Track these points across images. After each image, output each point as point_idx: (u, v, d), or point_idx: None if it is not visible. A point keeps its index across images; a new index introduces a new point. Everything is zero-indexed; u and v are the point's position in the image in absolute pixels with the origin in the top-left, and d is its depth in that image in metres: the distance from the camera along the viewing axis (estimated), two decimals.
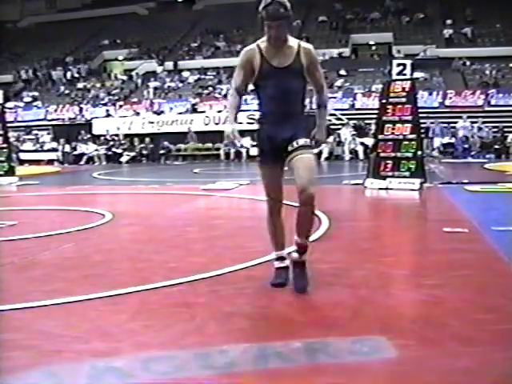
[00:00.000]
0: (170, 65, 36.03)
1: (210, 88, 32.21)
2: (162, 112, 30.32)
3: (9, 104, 30.65)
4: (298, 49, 4.43)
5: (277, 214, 4.72)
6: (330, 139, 25.36)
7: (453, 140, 25.53)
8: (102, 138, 28.76)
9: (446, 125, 25.88)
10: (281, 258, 4.76)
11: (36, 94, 35.83)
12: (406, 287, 4.93)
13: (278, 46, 4.41)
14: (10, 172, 16.89)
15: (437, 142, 25.31)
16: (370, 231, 7.87)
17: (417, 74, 24.20)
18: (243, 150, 26.51)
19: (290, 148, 4.44)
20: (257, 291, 4.59)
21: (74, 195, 13.20)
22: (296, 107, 4.50)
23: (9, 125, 19.40)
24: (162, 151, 27.78)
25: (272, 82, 4.44)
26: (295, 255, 4.61)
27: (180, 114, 29.69)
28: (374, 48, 36.62)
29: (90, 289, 4.60)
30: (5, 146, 17.06)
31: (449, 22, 34.85)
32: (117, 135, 28.69)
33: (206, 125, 28.28)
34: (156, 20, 40.88)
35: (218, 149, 27.42)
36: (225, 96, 30.50)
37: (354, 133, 25.31)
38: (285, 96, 4.44)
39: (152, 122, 29.09)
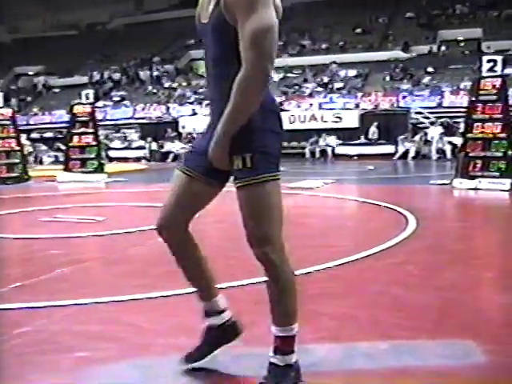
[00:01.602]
0: None
1: (296, 86, 32.17)
2: None
3: (99, 103, 31.47)
4: None
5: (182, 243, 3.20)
6: (417, 138, 24.95)
7: None
8: (189, 135, 29.13)
9: None
10: (209, 313, 3.20)
11: (124, 93, 36.64)
12: (495, 291, 4.81)
13: None
14: (100, 169, 17.34)
15: None
16: (458, 232, 7.70)
17: (508, 71, 23.53)
18: (329, 149, 26.40)
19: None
20: (343, 291, 4.56)
21: (161, 192, 13.40)
22: (223, 91, 2.58)
23: (98, 123, 19.91)
24: None
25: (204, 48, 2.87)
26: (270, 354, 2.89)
27: None
28: (462, 44, 35.74)
29: (177, 284, 4.65)
30: (95, 143, 17.53)
31: None
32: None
33: (292, 123, 28.27)
34: None
35: (303, 147, 27.37)
36: (310, 95, 30.43)
37: (442, 131, 24.79)
38: (209, 71, 2.82)
39: None
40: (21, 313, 3.81)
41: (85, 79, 39.23)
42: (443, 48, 34.40)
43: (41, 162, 28.20)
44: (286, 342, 2.82)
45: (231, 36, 2.51)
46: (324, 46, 36.16)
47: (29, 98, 39.71)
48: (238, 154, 2.60)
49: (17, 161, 16.92)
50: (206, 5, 2.63)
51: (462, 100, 24.73)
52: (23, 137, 26.15)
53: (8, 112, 17.33)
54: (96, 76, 39.87)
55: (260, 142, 2.63)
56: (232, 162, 2.63)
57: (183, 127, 30.14)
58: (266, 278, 2.86)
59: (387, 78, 31.31)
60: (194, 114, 31.24)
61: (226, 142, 2.57)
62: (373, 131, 26.57)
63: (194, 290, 3.13)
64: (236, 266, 5.42)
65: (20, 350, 3.42)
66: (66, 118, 22.87)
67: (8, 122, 16.96)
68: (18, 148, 17.11)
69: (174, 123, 30.69)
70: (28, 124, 32.92)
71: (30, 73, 43.36)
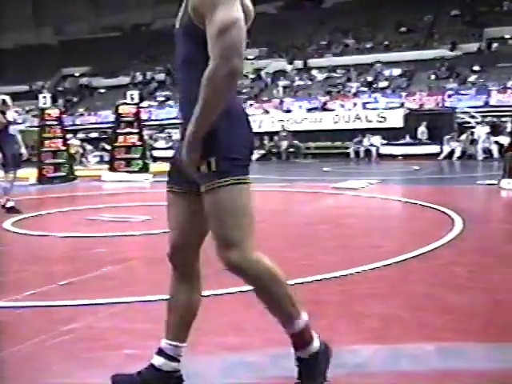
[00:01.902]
0: (299, 63, 36.12)
1: (340, 86, 32.04)
2: (292, 110, 30.45)
3: (143, 103, 31.75)
4: None
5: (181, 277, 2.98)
6: (463, 137, 24.63)
7: None
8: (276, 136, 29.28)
9: None
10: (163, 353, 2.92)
11: (169, 93, 36.90)
12: None
13: None
14: (144, 169, 17.52)
15: None
16: (506, 234, 7.57)
17: None
18: (373, 149, 26.23)
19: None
20: (389, 292, 4.53)
21: None
22: (193, 94, 2.45)
23: (143, 123, 20.12)
24: (291, 149, 27.91)
25: None
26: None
27: (309, 112, 29.72)
28: (510, 42, 35.06)
29: (222, 284, 4.69)
30: (140, 143, 17.72)
31: None
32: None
33: (336, 123, 28.17)
34: (285, 19, 41.03)
35: (347, 147, 27.25)
36: (354, 94, 30.27)
37: (489, 131, 24.42)
38: (179, 76, 2.72)
39: (281, 121, 29.27)
40: (69, 310, 3.87)
41: (129, 80, 39.64)
42: (495, 45, 33.71)
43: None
44: (297, 338, 2.75)
45: (200, 39, 2.45)
46: (368, 45, 35.91)
47: (75, 99, 40.29)
48: (203, 158, 2.48)
49: (63, 160, 17.18)
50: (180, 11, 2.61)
51: (510, 99, 24.39)
52: (73, 137, 26.62)
53: (55, 112, 17.61)
54: (139, 77, 40.22)
55: (225, 145, 2.51)
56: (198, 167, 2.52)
57: None
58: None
59: (432, 77, 30.96)
60: None
61: (197, 143, 2.45)
62: (422, 131, 26.27)
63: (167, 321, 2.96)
64: (281, 266, 5.42)
65: (68, 347, 3.47)
66: (111, 118, 23.12)
67: (55, 123, 17.24)
68: (64, 148, 17.37)
69: None
70: (74, 124, 33.39)
71: (76, 74, 43.98)
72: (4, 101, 9.91)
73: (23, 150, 10.17)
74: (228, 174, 2.49)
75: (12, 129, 9.82)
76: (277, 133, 28.37)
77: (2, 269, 5.91)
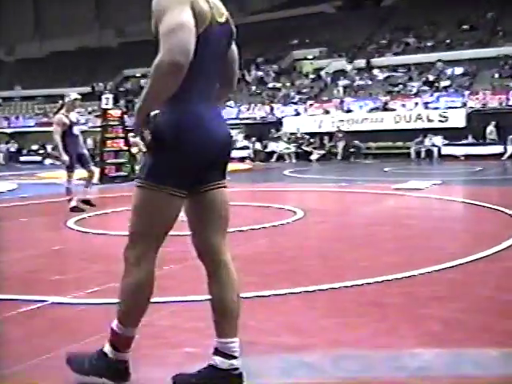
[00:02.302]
0: (359, 63, 35.85)
1: (401, 85, 31.66)
2: (352, 110, 30.26)
3: None
4: None
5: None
6: None
7: None
8: (293, 136, 29.25)
9: None
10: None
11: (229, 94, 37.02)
12: None
13: None
14: None
15: None
16: None
17: None
18: (434, 149, 25.87)
19: None
20: (452, 295, 4.46)
21: (266, 192, 13.53)
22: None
23: None
24: (351, 149, 27.76)
25: None
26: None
27: (370, 112, 29.49)
28: None
29: (283, 284, 4.70)
30: None
31: None
32: (306, 133, 29.09)
33: (397, 123, 27.89)
34: (344, 18, 40.78)
35: (408, 147, 26.94)
36: (416, 94, 29.88)
37: None
38: None
39: (342, 121, 29.13)
40: None
41: None
42: None
43: None
44: (116, 338, 2.95)
45: None
46: (429, 43, 35.33)
47: (136, 100, 40.83)
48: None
49: (125, 160, 17.45)
50: None
51: None
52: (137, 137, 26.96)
53: (117, 113, 17.88)
54: None
55: (157, 155, 2.73)
56: None
57: (287, 127, 30.22)
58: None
59: (496, 76, 30.32)
60: (298, 114, 31.29)
61: (138, 119, 2.68)
62: (490, 130, 25.72)
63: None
64: (342, 267, 5.40)
65: None
66: None
67: (117, 123, 17.52)
68: (125, 148, 17.63)
69: (278, 123, 30.86)
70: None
71: (138, 74, 44.56)
72: (75, 99, 10.12)
73: (85, 151, 10.36)
74: (145, 178, 2.77)
75: (76, 129, 10.00)
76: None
77: (65, 267, 6.05)
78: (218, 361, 2.92)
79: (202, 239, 3.05)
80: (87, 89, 42.07)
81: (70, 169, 9.97)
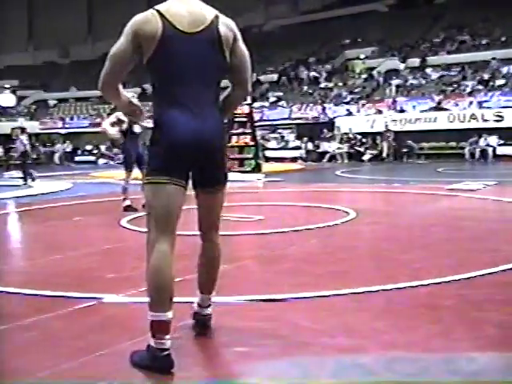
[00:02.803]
0: (412, 62, 35.47)
1: (454, 84, 31.23)
2: (405, 110, 29.98)
3: (256, 104, 32.06)
4: None
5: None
6: None
7: None
8: (345, 136, 29.12)
9: None
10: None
11: (280, 94, 37.10)
12: None
13: None
14: (257, 169, 17.69)
15: None
16: None
17: None
18: (489, 149, 25.46)
19: None
20: (507, 298, 4.37)
21: (318, 192, 13.49)
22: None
23: (256, 124, 20.33)
24: (404, 149, 27.50)
25: None
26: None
27: (423, 111, 29.17)
28: None
29: (335, 285, 4.68)
30: (252, 143, 17.90)
31: None
32: (358, 133, 28.93)
33: (450, 122, 27.54)
34: (396, 17, 40.39)
35: (462, 147, 26.57)
36: (470, 93, 29.43)
37: None
38: None
39: (394, 120, 28.89)
40: (183, 306, 3.93)
41: None
42: None
43: None
44: (150, 325, 3.14)
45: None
46: (484, 41, 34.73)
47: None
48: None
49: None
50: None
51: None
52: None
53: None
54: (253, 77, 40.61)
55: (150, 152, 3.30)
56: None
57: (339, 127, 30.09)
58: None
59: None
60: (350, 114, 31.12)
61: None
62: None
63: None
64: (395, 269, 5.35)
65: (181, 343, 3.54)
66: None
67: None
68: None
69: (330, 123, 30.75)
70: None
71: None
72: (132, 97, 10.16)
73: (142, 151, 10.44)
74: (146, 174, 3.26)
75: (137, 128, 10.03)
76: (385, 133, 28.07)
77: (118, 265, 6.12)
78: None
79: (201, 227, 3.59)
80: (139, 90, 42.63)
81: (128, 168, 10.07)
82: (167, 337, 3.07)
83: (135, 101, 3.50)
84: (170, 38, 3.07)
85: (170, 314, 3.11)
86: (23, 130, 19.78)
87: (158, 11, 3.13)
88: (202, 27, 3.13)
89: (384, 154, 27.56)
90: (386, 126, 28.22)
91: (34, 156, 19.21)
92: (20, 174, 21.57)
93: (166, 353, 3.06)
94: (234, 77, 3.36)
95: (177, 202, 3.25)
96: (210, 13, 3.20)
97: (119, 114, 9.75)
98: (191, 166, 3.24)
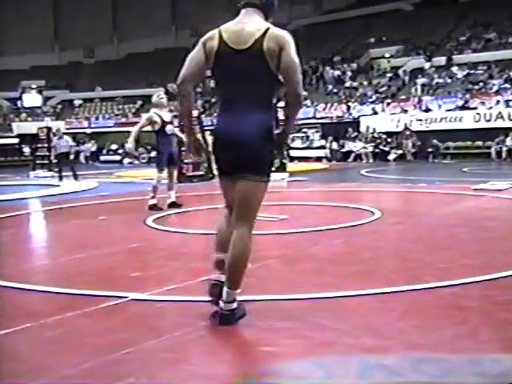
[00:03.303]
0: (437, 60, 35.20)
1: (481, 83, 30.94)
2: (430, 109, 29.77)
3: (280, 103, 31.98)
4: None
5: None
6: None
7: None
8: (370, 135, 28.99)
9: None
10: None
11: (305, 93, 37.00)
12: None
13: None
14: (282, 168, 17.65)
15: None
16: None
17: None
18: None
19: None
20: None
21: (342, 192, 13.45)
22: None
23: (280, 123, 20.28)
24: (430, 149, 27.32)
25: None
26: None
27: (449, 110, 28.95)
28: None
29: (359, 285, 4.66)
30: None
31: None
32: (384, 133, 28.78)
33: (477, 122, 27.30)
34: (421, 15, 40.07)
35: (488, 147, 26.34)
36: (497, 92, 29.15)
37: None
38: None
39: (420, 120, 28.70)
40: (208, 305, 3.95)
41: None
42: None
43: None
44: None
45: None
46: (511, 39, 34.35)
47: (213, 100, 41.26)
48: None
49: (202, 159, 17.62)
50: None
51: None
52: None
53: (194, 113, 18.10)
54: None
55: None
56: None
57: (368, 126, 29.93)
58: None
59: None
60: (375, 113, 30.97)
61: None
62: None
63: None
64: (420, 269, 5.31)
65: (206, 341, 3.57)
66: None
67: (194, 123, 17.72)
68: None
69: (355, 123, 30.62)
70: (212, 124, 34.03)
71: None
72: (161, 98, 10.20)
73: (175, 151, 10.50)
74: None
75: (169, 128, 10.07)
76: (415, 132, 27.85)
77: (144, 264, 6.16)
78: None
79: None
80: (162, 89, 42.86)
81: (160, 168, 10.11)
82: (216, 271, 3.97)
83: (200, 139, 4.12)
84: (223, 53, 3.69)
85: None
86: (58, 130, 19.95)
87: (219, 30, 3.76)
88: (249, 45, 3.66)
89: (408, 155, 27.31)
90: (405, 124, 27.97)
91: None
92: (47, 174, 21.82)
93: (213, 282, 3.94)
94: (285, 83, 3.75)
95: (226, 193, 4.12)
96: (259, 30, 3.69)
97: (152, 116, 9.86)
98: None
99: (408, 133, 27.53)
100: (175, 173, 10.60)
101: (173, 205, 10.22)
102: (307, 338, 3.54)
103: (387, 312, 4.05)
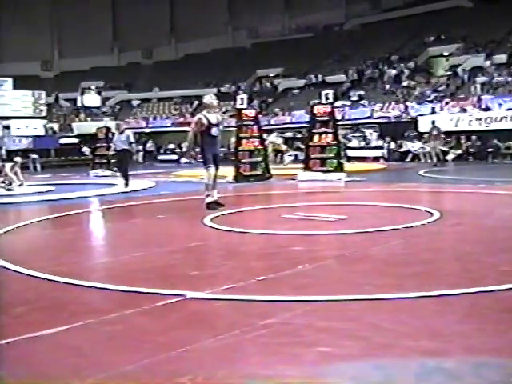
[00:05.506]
0: (498, 58, 34.49)
1: None
2: (491, 108, 29.20)
3: (337, 103, 31.86)
4: None
5: None
6: None
7: None
8: (427, 135, 28.59)
9: None
10: None
11: (362, 92, 36.77)
12: None
13: None
14: (339, 168, 17.58)
15: None
16: None
17: None
18: None
19: None
20: None
21: (400, 192, 13.31)
22: None
23: (337, 123, 20.23)
24: (489, 149, 26.80)
25: None
26: None
27: (509, 109, 28.35)
28: None
29: (419, 286, 4.60)
30: (334, 143, 17.81)
31: None
32: (443, 133, 28.34)
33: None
34: (481, 12, 39.31)
35: None
36: None
37: None
38: None
39: (479, 119, 28.18)
40: (266, 305, 3.97)
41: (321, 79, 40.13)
42: None
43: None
44: None
45: None
46: None
47: (270, 99, 41.31)
48: None
49: (259, 159, 17.69)
50: None
51: None
52: (273, 135, 27.29)
53: (251, 113, 18.18)
54: (335, 76, 40.27)
55: None
56: None
57: (436, 126, 29.47)
58: None
59: None
60: (434, 112, 30.52)
61: None
62: None
63: None
64: (480, 271, 5.22)
65: (265, 341, 3.57)
66: (305, 118, 23.39)
67: (252, 123, 17.81)
68: (260, 147, 17.87)
69: (413, 122, 30.24)
70: (269, 124, 34.17)
71: (271, 74, 45.07)
72: (211, 98, 10.30)
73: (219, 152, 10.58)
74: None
75: (214, 130, 10.14)
76: (474, 132, 27.33)
77: (202, 263, 6.20)
78: None
79: None
80: (221, 89, 43.10)
81: (207, 165, 10.18)
82: None
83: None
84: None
85: None
86: (118, 124, 18.84)
87: None
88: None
89: (434, 158, 25.19)
90: (433, 122, 26.31)
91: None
92: (106, 173, 22.11)
93: None
94: None
95: None
96: None
97: (201, 119, 9.99)
98: None
99: (435, 132, 25.27)
100: (217, 173, 10.61)
101: (215, 204, 10.23)
102: (365, 339, 3.52)
103: (447, 314, 3.99)
